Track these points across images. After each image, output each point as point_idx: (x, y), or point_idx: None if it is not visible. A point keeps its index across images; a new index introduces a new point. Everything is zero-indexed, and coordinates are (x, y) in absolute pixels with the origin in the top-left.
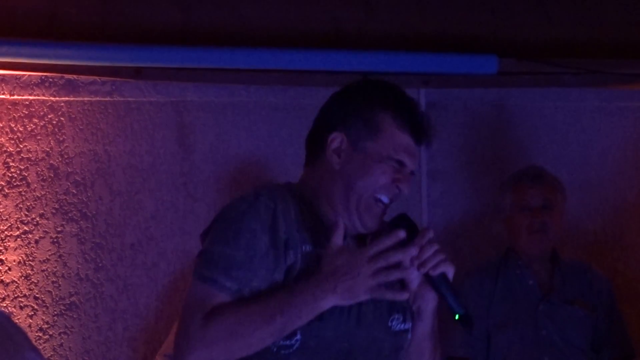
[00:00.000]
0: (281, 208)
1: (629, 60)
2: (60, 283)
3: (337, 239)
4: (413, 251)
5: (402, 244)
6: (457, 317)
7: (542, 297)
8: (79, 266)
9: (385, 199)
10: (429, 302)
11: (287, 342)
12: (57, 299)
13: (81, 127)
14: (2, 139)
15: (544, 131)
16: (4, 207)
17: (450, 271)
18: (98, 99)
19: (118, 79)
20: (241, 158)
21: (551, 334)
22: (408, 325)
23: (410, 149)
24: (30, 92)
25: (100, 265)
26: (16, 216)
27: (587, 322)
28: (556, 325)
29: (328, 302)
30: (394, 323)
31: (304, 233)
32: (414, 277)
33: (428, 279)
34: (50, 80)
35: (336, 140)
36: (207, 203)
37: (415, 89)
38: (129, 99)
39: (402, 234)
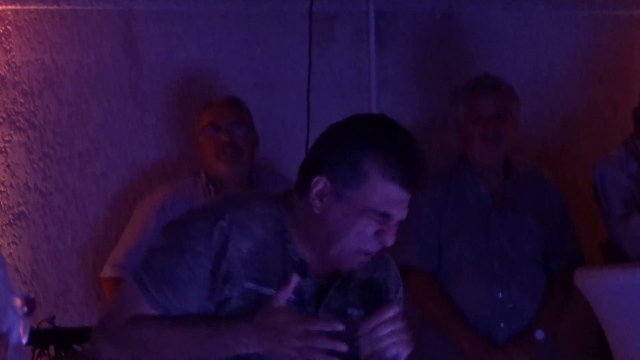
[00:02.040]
0: (235, 238)
1: None
2: (8, 192)
3: (281, 297)
4: (366, 328)
5: (367, 311)
6: None
7: (494, 206)
8: (27, 176)
9: (371, 250)
10: None
11: None
12: (6, 208)
13: (28, 36)
14: None
15: (494, 41)
16: None
17: (403, 354)
18: (45, 7)
19: None
20: (190, 67)
21: (503, 243)
22: None
23: (398, 198)
24: None
25: (48, 174)
26: None
27: (538, 231)
28: (508, 234)
29: (249, 349)
30: None
31: (253, 270)
32: (367, 344)
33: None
34: None
35: (319, 184)
36: (156, 113)
37: (364, 0)
38: (77, 7)
39: (339, 327)
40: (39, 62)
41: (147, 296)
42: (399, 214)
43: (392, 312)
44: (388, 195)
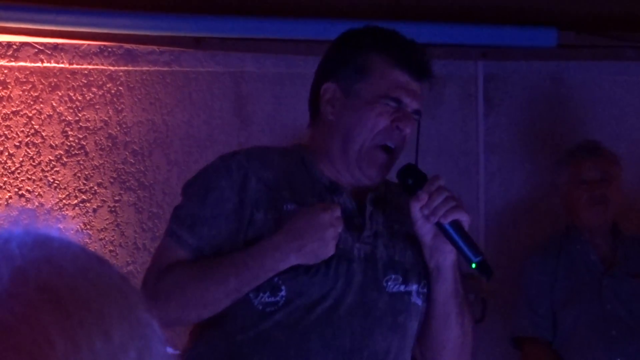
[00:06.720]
0: (255, 167)
1: None
2: (117, 252)
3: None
4: (423, 198)
5: (410, 193)
6: (473, 266)
7: (605, 272)
8: (136, 235)
9: (390, 144)
10: (447, 255)
11: (272, 299)
12: None
13: (139, 97)
14: (61, 107)
15: (602, 105)
16: (62, 176)
17: (464, 219)
18: (157, 68)
19: (177, 48)
20: (298, 129)
21: (616, 308)
22: (412, 287)
23: (407, 86)
24: (89, 62)
25: (157, 234)
26: (74, 185)
27: None
28: (621, 299)
29: (289, 263)
30: (389, 284)
31: (285, 192)
32: (426, 230)
33: (440, 229)
34: (109, 49)
35: (328, 91)
36: None
37: (472, 61)
38: (187, 69)
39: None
40: (149, 123)
41: (180, 243)
42: (410, 101)
43: (439, 181)
44: (395, 79)
